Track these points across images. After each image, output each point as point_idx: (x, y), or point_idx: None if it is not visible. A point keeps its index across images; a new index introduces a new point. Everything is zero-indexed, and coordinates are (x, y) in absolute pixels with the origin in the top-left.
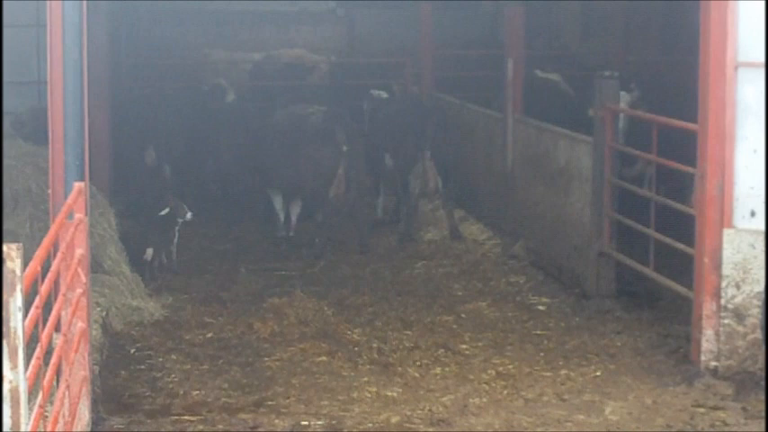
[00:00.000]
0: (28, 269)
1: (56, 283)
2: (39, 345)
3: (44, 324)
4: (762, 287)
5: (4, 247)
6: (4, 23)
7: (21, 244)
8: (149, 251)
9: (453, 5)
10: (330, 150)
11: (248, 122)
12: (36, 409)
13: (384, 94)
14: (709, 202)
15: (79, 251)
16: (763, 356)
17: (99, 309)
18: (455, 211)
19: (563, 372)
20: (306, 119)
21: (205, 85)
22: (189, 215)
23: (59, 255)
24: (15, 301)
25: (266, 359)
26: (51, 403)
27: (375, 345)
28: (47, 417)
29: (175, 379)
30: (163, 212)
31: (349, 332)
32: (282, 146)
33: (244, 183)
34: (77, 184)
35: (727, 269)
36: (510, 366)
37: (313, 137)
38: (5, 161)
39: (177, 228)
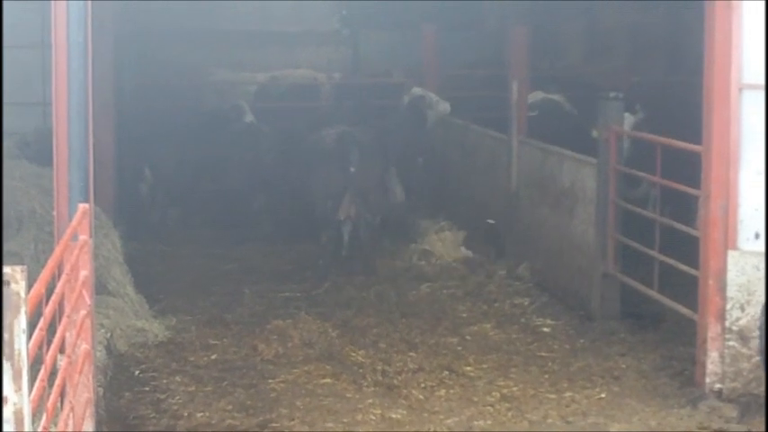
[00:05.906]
0: (32, 291)
1: (60, 305)
2: (43, 366)
3: (48, 346)
4: None
5: (8, 269)
6: (8, 44)
7: (25, 266)
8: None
9: (457, 26)
10: (337, 172)
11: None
12: (40, 431)
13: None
14: (713, 223)
15: (84, 273)
16: None
17: (103, 330)
18: (459, 232)
19: (567, 394)
20: (321, 139)
21: (224, 105)
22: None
23: (64, 276)
24: (20, 323)
25: (270, 381)
26: (55, 425)
27: (379, 367)
28: None
29: (179, 401)
30: None
31: (353, 354)
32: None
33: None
34: (82, 206)
35: (731, 291)
36: (514, 389)
37: (322, 157)
38: (10, 182)
39: None
